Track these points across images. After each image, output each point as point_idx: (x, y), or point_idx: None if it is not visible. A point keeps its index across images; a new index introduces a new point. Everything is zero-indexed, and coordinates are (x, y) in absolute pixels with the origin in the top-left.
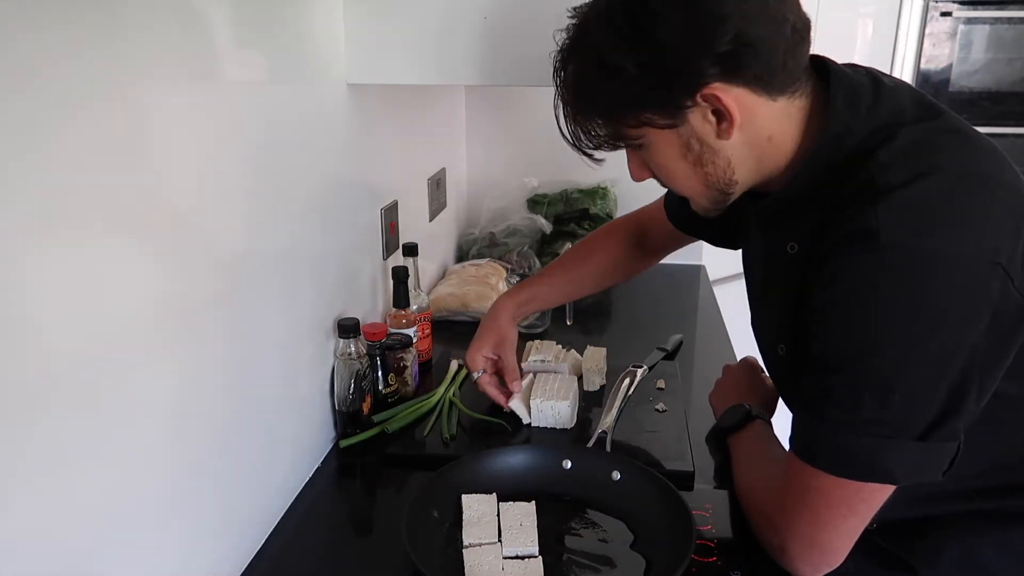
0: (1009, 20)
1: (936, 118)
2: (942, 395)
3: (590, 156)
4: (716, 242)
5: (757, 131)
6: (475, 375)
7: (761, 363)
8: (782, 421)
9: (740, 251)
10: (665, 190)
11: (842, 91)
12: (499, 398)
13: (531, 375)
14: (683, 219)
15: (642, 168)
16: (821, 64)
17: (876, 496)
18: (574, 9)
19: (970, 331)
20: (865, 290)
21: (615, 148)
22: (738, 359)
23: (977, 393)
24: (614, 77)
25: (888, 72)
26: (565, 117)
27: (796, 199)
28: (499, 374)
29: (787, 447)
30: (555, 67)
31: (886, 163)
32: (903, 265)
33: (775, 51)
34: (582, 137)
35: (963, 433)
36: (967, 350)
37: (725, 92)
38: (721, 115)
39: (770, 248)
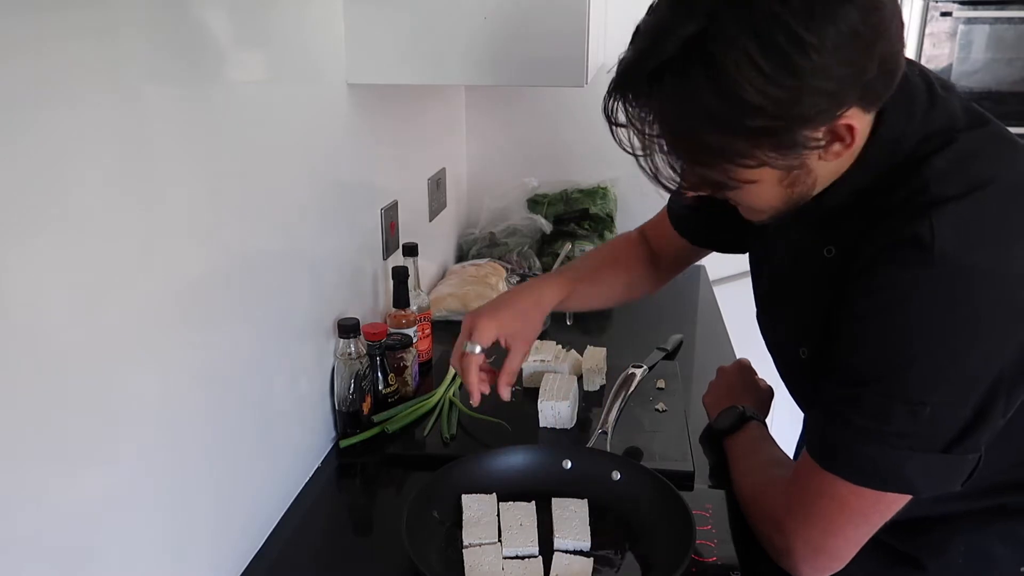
0: (1009, 20)
1: (986, 125)
2: (971, 409)
3: (671, 191)
4: (726, 249)
5: (854, 147)
6: (470, 348)
7: (762, 359)
8: (779, 421)
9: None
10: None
11: (900, 94)
12: (474, 391)
13: (573, 378)
14: (691, 230)
15: (703, 186)
16: None
17: (892, 506)
18: (649, 24)
19: (1005, 347)
20: (909, 301)
21: (709, 190)
22: (735, 360)
23: (1004, 407)
24: (741, 112)
25: None
26: (647, 153)
27: (844, 203)
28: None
29: (789, 449)
30: (634, 72)
31: (942, 172)
32: (950, 280)
33: (900, 71)
34: (675, 178)
35: (984, 445)
36: (999, 366)
37: (854, 118)
38: (836, 139)
39: (802, 250)
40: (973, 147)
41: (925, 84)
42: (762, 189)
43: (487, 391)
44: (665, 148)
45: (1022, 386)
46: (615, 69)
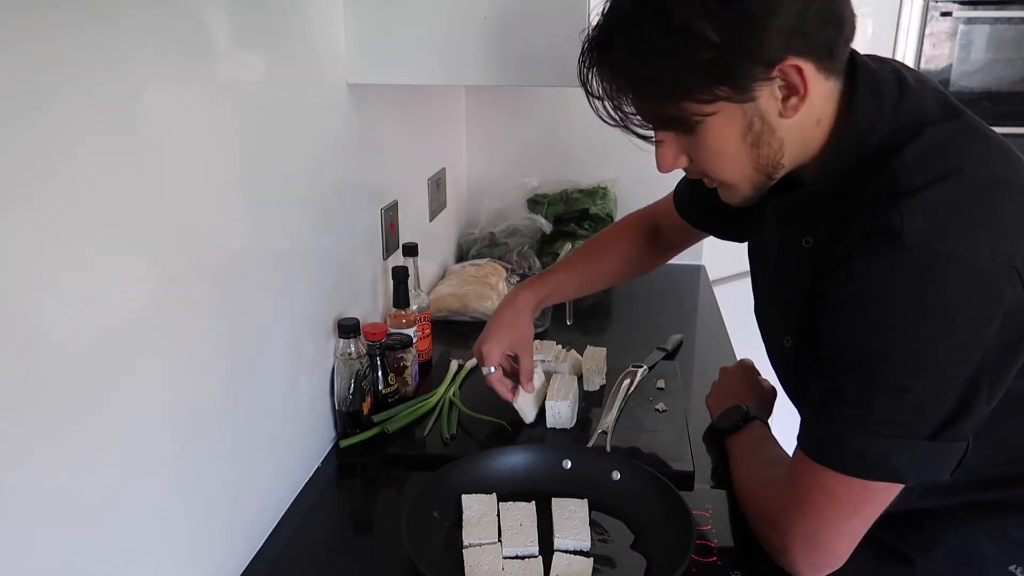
0: (1009, 20)
1: (957, 118)
2: (954, 396)
3: (643, 137)
4: (724, 235)
5: (811, 112)
6: (487, 371)
7: (764, 358)
8: (781, 421)
9: (742, 245)
10: (674, 186)
11: (867, 87)
12: (508, 395)
13: (541, 374)
14: (692, 212)
15: (678, 155)
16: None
17: (882, 496)
18: None
19: (983, 333)
20: (883, 290)
21: (673, 129)
22: (737, 359)
23: (988, 394)
24: (692, 46)
25: None
26: (610, 95)
27: (819, 194)
28: (507, 372)
29: (790, 448)
30: (595, 39)
31: (910, 163)
32: (922, 267)
33: (846, 26)
34: (635, 118)
35: (971, 433)
36: (979, 352)
37: (803, 64)
38: (791, 91)
39: (784, 241)
40: (942, 139)
41: (896, 78)
42: (723, 142)
43: (514, 394)
44: (630, 98)
45: (1005, 376)
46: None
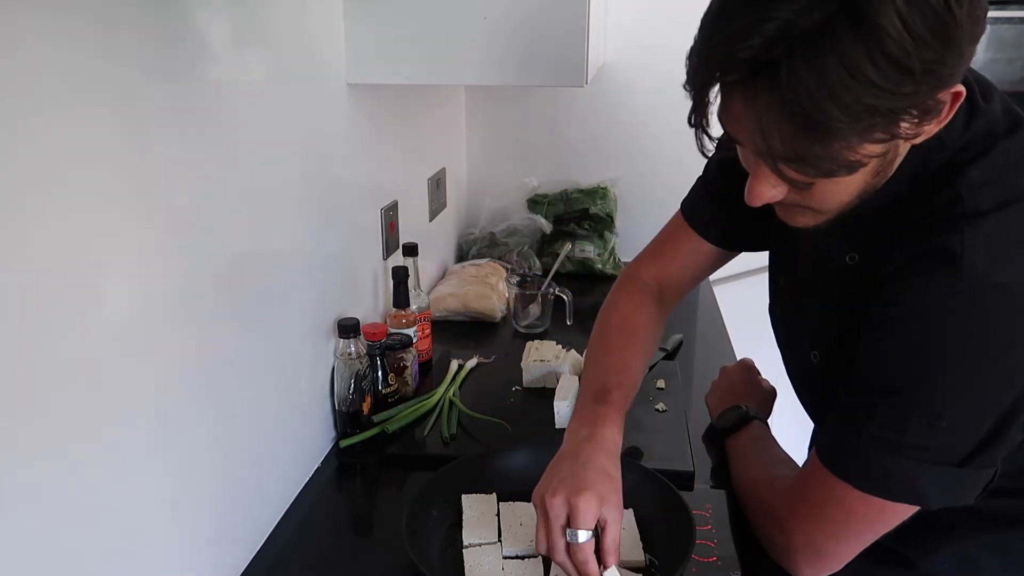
0: (1009, 20)
1: (1020, 129)
2: (988, 425)
3: (794, 184)
4: (743, 247)
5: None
6: (583, 537)
7: (763, 359)
8: (781, 421)
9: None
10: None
11: None
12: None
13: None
14: (712, 228)
15: (777, 186)
16: None
17: (900, 515)
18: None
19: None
20: (932, 314)
21: (825, 175)
22: (737, 359)
23: (1022, 423)
24: (896, 78)
25: None
26: (751, 128)
27: (874, 210)
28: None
29: (791, 449)
30: (747, 59)
31: (977, 183)
32: (978, 294)
33: None
34: (799, 163)
35: (1000, 461)
36: (1020, 384)
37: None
38: (932, 116)
39: (822, 254)
40: (1011, 158)
41: (966, 91)
42: (857, 180)
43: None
44: (782, 130)
45: None
46: (701, 55)
